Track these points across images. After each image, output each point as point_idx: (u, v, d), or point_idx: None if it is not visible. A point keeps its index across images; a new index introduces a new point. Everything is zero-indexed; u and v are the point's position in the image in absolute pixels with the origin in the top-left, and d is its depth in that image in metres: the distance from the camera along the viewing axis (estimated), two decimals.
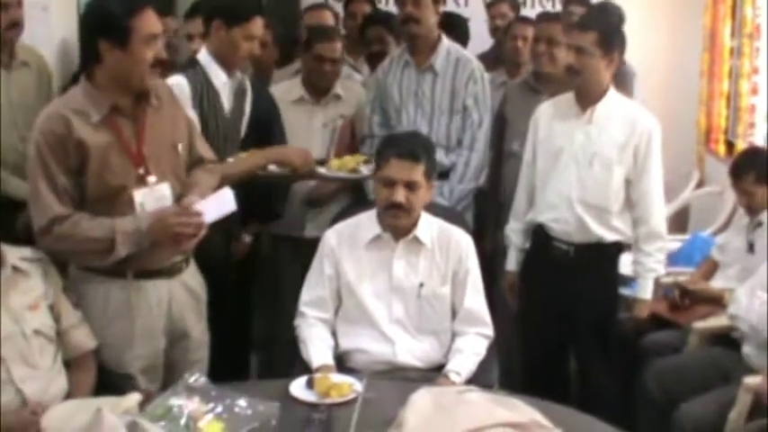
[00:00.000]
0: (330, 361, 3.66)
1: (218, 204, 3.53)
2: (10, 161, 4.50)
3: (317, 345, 3.74)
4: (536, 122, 4.52)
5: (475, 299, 3.83)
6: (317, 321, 3.81)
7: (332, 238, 3.91)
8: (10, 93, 4.72)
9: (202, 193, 3.59)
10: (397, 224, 3.78)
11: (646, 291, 4.36)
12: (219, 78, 4.30)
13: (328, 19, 6.12)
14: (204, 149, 3.86)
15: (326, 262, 3.86)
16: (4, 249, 3.34)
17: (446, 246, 3.84)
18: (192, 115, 4.06)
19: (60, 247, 3.47)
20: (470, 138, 4.93)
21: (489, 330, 3.84)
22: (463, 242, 3.89)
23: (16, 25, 4.82)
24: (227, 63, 4.31)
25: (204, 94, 4.24)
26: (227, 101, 4.37)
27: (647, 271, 4.34)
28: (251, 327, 5.03)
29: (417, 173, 3.72)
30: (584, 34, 4.23)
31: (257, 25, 4.27)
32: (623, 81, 5.28)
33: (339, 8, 6.97)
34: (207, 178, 3.75)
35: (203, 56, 4.32)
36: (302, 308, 3.87)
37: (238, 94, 4.46)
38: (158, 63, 3.49)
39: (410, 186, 3.71)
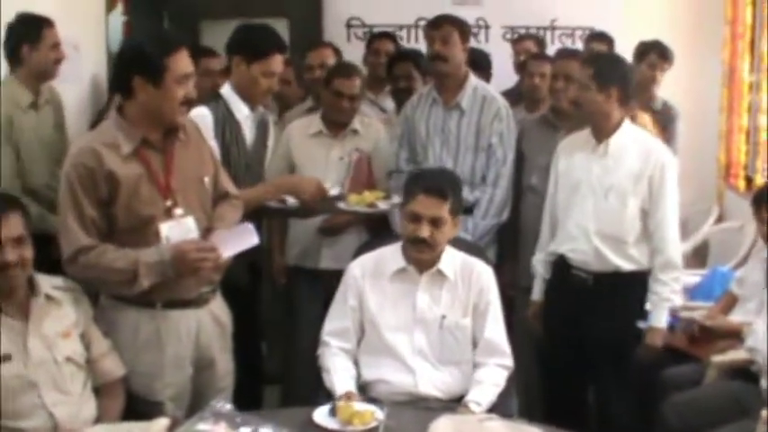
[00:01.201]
0: (353, 389, 3.70)
1: (240, 239, 3.60)
2: (43, 196, 4.60)
3: (340, 373, 3.78)
4: (557, 157, 4.64)
5: (495, 330, 3.88)
6: (339, 351, 3.86)
7: (356, 269, 3.96)
8: (40, 131, 4.83)
9: (227, 227, 3.68)
10: (421, 258, 3.84)
11: (660, 319, 4.41)
12: (242, 111, 4.39)
13: (330, 57, 6.12)
14: (228, 184, 3.94)
15: (350, 293, 3.91)
16: (38, 278, 3.42)
17: (468, 278, 3.90)
18: (214, 145, 4.14)
19: (86, 276, 3.54)
20: (495, 175, 4.99)
21: (509, 361, 3.88)
22: (485, 275, 3.94)
23: (58, 63, 4.95)
24: (248, 98, 4.41)
25: (226, 125, 4.33)
26: (249, 133, 4.45)
27: (662, 300, 4.40)
28: (261, 358, 5.09)
29: (443, 210, 3.78)
30: (583, 69, 4.43)
31: (276, 62, 4.35)
32: (667, 121, 5.40)
33: (361, 46, 7.08)
34: (232, 213, 3.85)
35: (226, 90, 4.43)
36: (325, 337, 3.91)
37: (260, 128, 4.55)
38: (188, 101, 3.58)
39: (435, 222, 3.78)
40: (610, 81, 4.36)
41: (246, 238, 3.61)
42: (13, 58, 4.80)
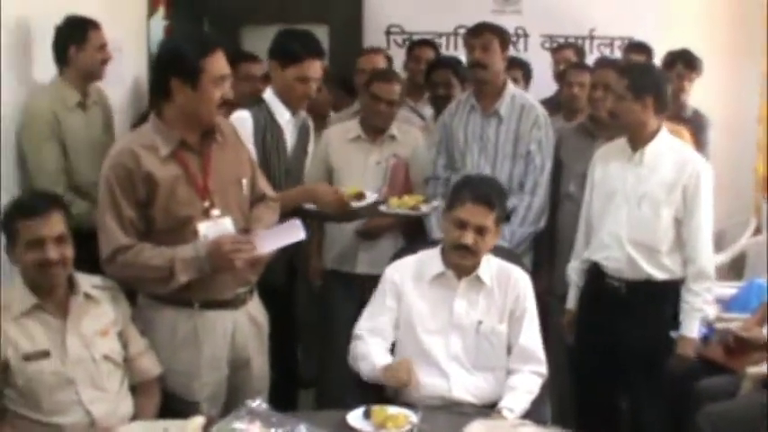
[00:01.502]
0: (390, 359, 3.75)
1: (285, 234, 3.63)
2: (90, 194, 4.66)
3: (377, 350, 3.81)
4: (593, 165, 4.66)
5: (530, 337, 3.88)
6: (374, 342, 3.87)
7: (396, 271, 3.98)
8: (88, 131, 4.91)
9: (265, 228, 3.71)
10: (463, 264, 3.86)
11: (691, 329, 4.41)
12: (283, 116, 4.44)
13: (381, 62, 6.19)
14: (266, 186, 3.97)
15: (389, 294, 3.93)
16: (78, 277, 3.48)
17: (505, 284, 3.91)
18: (252, 149, 4.17)
19: (124, 275, 3.59)
20: (533, 182, 4.98)
21: (543, 368, 3.88)
22: (522, 281, 3.95)
23: (105, 64, 5.04)
24: (287, 102, 4.45)
25: (268, 129, 4.38)
26: (290, 138, 4.50)
27: (694, 310, 4.41)
28: (296, 361, 5.11)
29: (489, 219, 3.81)
30: (619, 80, 4.45)
31: (311, 68, 4.39)
32: (698, 130, 5.40)
33: (401, 53, 7.11)
34: (269, 214, 3.88)
35: (268, 94, 4.50)
36: (359, 332, 3.92)
37: (301, 133, 4.60)
38: (224, 103, 3.62)
39: (480, 231, 3.80)
40: (645, 90, 4.38)
41: (293, 232, 3.64)
42: (61, 60, 4.88)
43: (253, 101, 4.51)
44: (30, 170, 4.68)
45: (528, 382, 3.80)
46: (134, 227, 3.54)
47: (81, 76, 4.92)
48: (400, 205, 4.58)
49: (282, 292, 4.40)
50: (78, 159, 4.77)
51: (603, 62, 5.71)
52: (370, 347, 3.82)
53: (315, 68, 4.42)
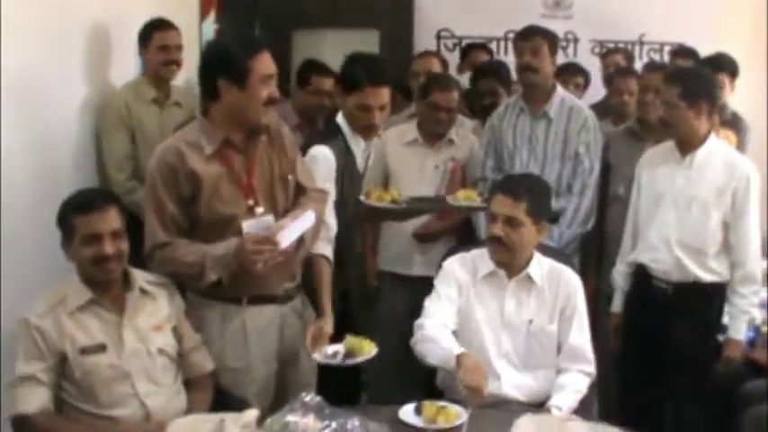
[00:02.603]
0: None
1: (300, 226, 3.62)
2: None
3: (446, 335, 3.78)
4: (640, 169, 4.68)
5: (580, 336, 3.89)
6: (440, 326, 3.85)
7: (454, 263, 4.01)
8: (164, 128, 5.07)
9: (296, 216, 3.66)
10: (497, 258, 3.88)
11: (738, 331, 4.44)
12: (359, 146, 4.30)
13: (436, 66, 6.21)
14: (308, 181, 3.93)
15: (449, 284, 3.95)
16: (133, 273, 3.53)
17: (556, 284, 3.93)
18: (331, 188, 4.10)
19: (163, 270, 3.65)
20: (581, 184, 5.02)
21: (592, 368, 3.89)
22: (572, 281, 3.96)
23: (172, 64, 5.26)
24: (356, 131, 4.26)
25: (345, 162, 4.23)
26: (361, 163, 4.39)
27: (741, 312, 4.43)
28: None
29: (518, 210, 3.80)
30: (669, 88, 4.43)
31: (373, 96, 4.13)
32: (739, 133, 5.38)
33: (451, 57, 7.15)
34: (311, 202, 3.84)
35: (342, 121, 4.28)
36: (421, 321, 3.88)
37: (366, 156, 4.50)
38: (271, 101, 3.63)
39: (510, 222, 3.81)
40: (698, 97, 4.39)
41: (306, 219, 3.64)
42: (141, 59, 5.24)
43: (328, 128, 4.41)
44: (103, 157, 4.97)
45: (576, 381, 3.81)
46: (176, 223, 3.60)
47: (153, 74, 5.19)
48: (467, 198, 4.59)
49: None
50: (149, 152, 4.85)
51: (653, 66, 5.74)
52: (438, 331, 3.79)
53: (377, 96, 4.13)
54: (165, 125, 5.10)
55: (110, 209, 3.41)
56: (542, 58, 5.01)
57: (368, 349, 3.65)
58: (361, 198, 4.42)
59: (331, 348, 3.69)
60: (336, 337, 3.80)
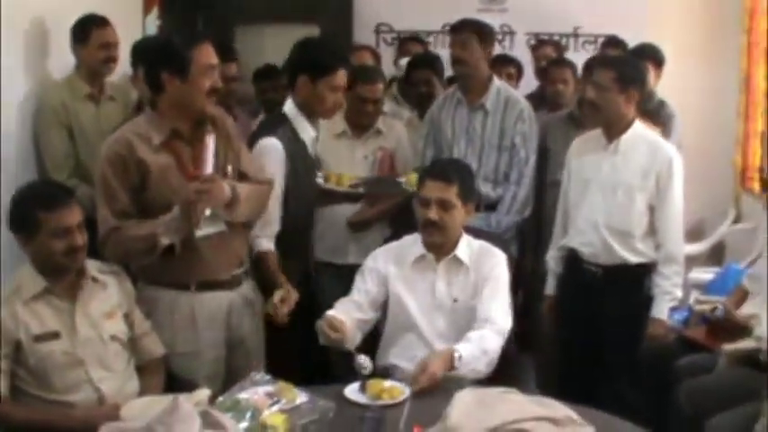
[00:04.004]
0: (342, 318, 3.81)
1: (210, 151, 3.70)
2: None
3: (337, 308, 3.92)
4: (570, 156, 4.81)
5: (490, 301, 3.93)
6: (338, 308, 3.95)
7: (374, 258, 4.12)
8: (100, 124, 5.12)
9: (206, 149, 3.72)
10: (431, 241, 3.98)
11: (662, 311, 4.58)
12: (307, 132, 4.41)
13: (368, 59, 6.29)
14: (253, 170, 4.01)
15: (368, 278, 4.05)
16: (86, 262, 3.60)
17: (481, 261, 4.02)
18: (280, 179, 4.23)
19: (117, 253, 3.74)
20: (518, 173, 5.15)
21: (500, 327, 3.87)
22: (495, 257, 4.06)
23: (111, 62, 5.27)
24: (313, 114, 4.41)
25: (295, 151, 4.34)
26: (312, 151, 4.51)
27: (664, 293, 4.58)
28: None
29: (450, 193, 3.92)
30: (603, 72, 4.54)
31: (342, 77, 4.34)
32: (664, 122, 5.52)
33: (390, 51, 7.33)
34: (248, 185, 3.91)
35: (290, 109, 4.41)
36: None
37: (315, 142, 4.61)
38: (214, 91, 3.74)
39: (443, 205, 3.92)
40: (630, 84, 4.51)
41: (210, 145, 3.70)
42: (74, 55, 5.18)
43: (275, 118, 4.49)
44: (41, 155, 4.98)
45: (483, 335, 3.79)
46: (127, 211, 3.69)
47: (88, 72, 5.17)
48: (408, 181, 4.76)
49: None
50: (87, 148, 4.98)
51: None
52: (331, 312, 3.88)
53: (343, 78, 4.36)
54: (102, 121, 5.15)
55: (73, 203, 3.50)
56: (471, 51, 5.13)
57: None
58: (319, 182, 4.56)
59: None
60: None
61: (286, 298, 4.00)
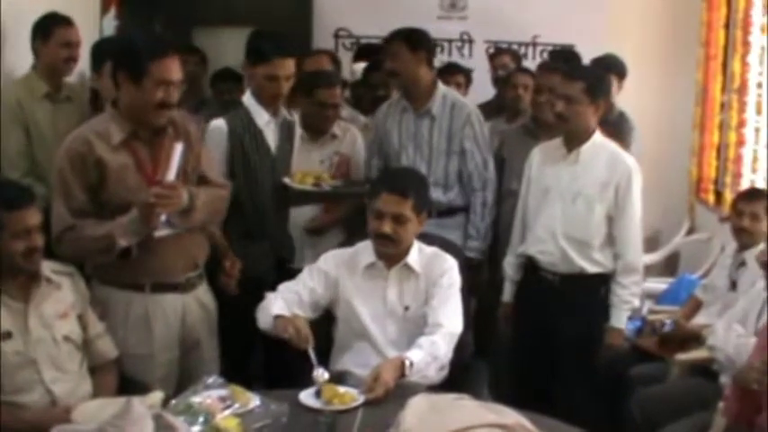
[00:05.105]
0: (288, 314, 3.82)
1: (176, 159, 3.69)
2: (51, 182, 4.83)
3: (277, 304, 3.87)
4: (529, 165, 4.81)
5: (439, 307, 3.91)
6: (278, 299, 3.92)
7: (330, 260, 4.08)
8: (56, 123, 5.08)
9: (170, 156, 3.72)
10: (385, 252, 3.97)
11: (620, 320, 4.60)
12: (262, 117, 4.49)
13: (327, 64, 6.26)
14: (213, 174, 4.04)
15: (316, 277, 4.00)
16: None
17: (431, 268, 4.01)
18: (220, 154, 4.33)
19: (72, 253, 3.72)
20: (481, 179, 5.16)
21: (447, 330, 3.86)
22: (445, 263, 4.03)
23: (71, 61, 5.24)
24: (263, 102, 4.49)
25: (246, 133, 4.43)
26: (272, 138, 4.55)
27: (622, 302, 4.58)
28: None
29: (405, 207, 3.90)
30: (572, 83, 4.53)
31: (279, 66, 4.39)
32: (623, 133, 5.56)
33: (349, 56, 7.30)
34: (206, 192, 3.90)
35: (247, 97, 4.57)
36: (268, 295, 3.97)
37: (284, 130, 4.65)
38: (165, 105, 3.69)
39: (398, 219, 3.89)
40: (598, 95, 4.54)
41: (177, 153, 3.69)
42: (34, 53, 5.15)
43: (231, 105, 4.61)
44: None
45: (432, 341, 3.78)
46: (83, 210, 3.67)
47: (47, 70, 5.13)
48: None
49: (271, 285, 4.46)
50: (43, 148, 4.94)
51: (547, 66, 5.81)
52: (272, 302, 3.87)
53: (284, 67, 4.41)
54: (58, 120, 5.10)
55: (33, 204, 3.48)
56: (402, 60, 5.11)
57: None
58: (286, 181, 4.59)
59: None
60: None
61: (231, 268, 4.08)
